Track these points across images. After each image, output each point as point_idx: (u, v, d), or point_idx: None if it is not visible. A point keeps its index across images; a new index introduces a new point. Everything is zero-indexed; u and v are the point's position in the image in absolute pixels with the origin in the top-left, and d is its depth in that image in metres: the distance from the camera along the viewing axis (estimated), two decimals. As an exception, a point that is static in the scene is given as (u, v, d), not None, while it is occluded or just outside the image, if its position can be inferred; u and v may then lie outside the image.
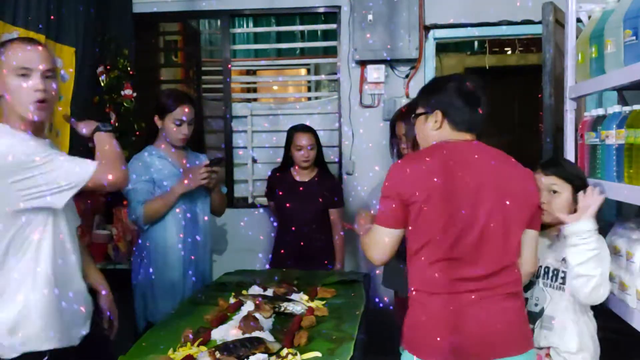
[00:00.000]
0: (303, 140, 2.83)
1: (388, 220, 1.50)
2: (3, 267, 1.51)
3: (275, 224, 3.02)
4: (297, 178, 2.92)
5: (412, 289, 1.52)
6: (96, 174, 1.51)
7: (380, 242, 1.52)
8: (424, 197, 1.42)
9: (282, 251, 2.89)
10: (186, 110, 2.31)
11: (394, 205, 1.47)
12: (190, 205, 2.37)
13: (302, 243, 2.80)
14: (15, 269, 1.51)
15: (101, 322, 1.81)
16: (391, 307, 2.85)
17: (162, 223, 2.30)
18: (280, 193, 2.93)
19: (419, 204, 1.43)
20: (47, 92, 1.54)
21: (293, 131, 2.88)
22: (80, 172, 1.50)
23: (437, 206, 1.43)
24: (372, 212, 2.11)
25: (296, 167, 2.91)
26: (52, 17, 2.22)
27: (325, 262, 2.89)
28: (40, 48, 1.56)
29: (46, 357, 1.55)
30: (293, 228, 2.83)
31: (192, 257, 2.40)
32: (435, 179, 1.43)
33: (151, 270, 2.30)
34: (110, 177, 1.53)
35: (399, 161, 1.60)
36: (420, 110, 1.60)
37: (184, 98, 2.37)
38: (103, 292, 1.83)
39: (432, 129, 1.56)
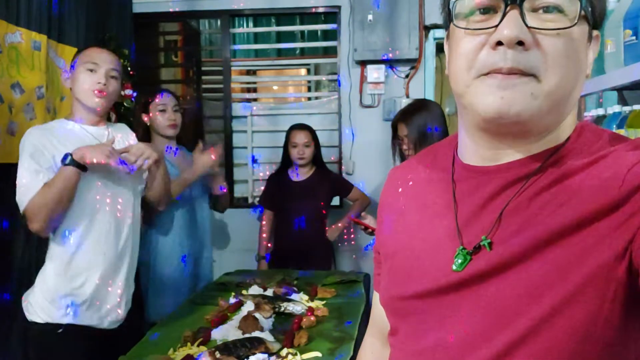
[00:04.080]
0: (298, 137, 2.85)
1: None
2: None
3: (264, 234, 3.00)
4: (294, 177, 2.93)
5: None
6: (27, 211, 1.63)
7: None
8: None
9: (281, 251, 2.90)
10: (165, 96, 2.39)
11: None
12: (189, 204, 2.37)
13: (300, 242, 2.81)
14: None
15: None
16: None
17: (162, 223, 2.30)
18: (278, 194, 2.93)
19: None
20: (107, 87, 1.78)
21: (290, 129, 2.91)
22: (19, 195, 1.65)
23: None
24: None
25: (293, 167, 2.92)
26: (53, 18, 2.23)
27: (325, 261, 2.89)
28: (108, 52, 1.85)
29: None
30: (291, 227, 2.83)
31: (192, 257, 2.40)
32: None
33: (151, 270, 2.30)
34: (33, 226, 1.64)
35: None
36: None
37: (161, 89, 2.52)
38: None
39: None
